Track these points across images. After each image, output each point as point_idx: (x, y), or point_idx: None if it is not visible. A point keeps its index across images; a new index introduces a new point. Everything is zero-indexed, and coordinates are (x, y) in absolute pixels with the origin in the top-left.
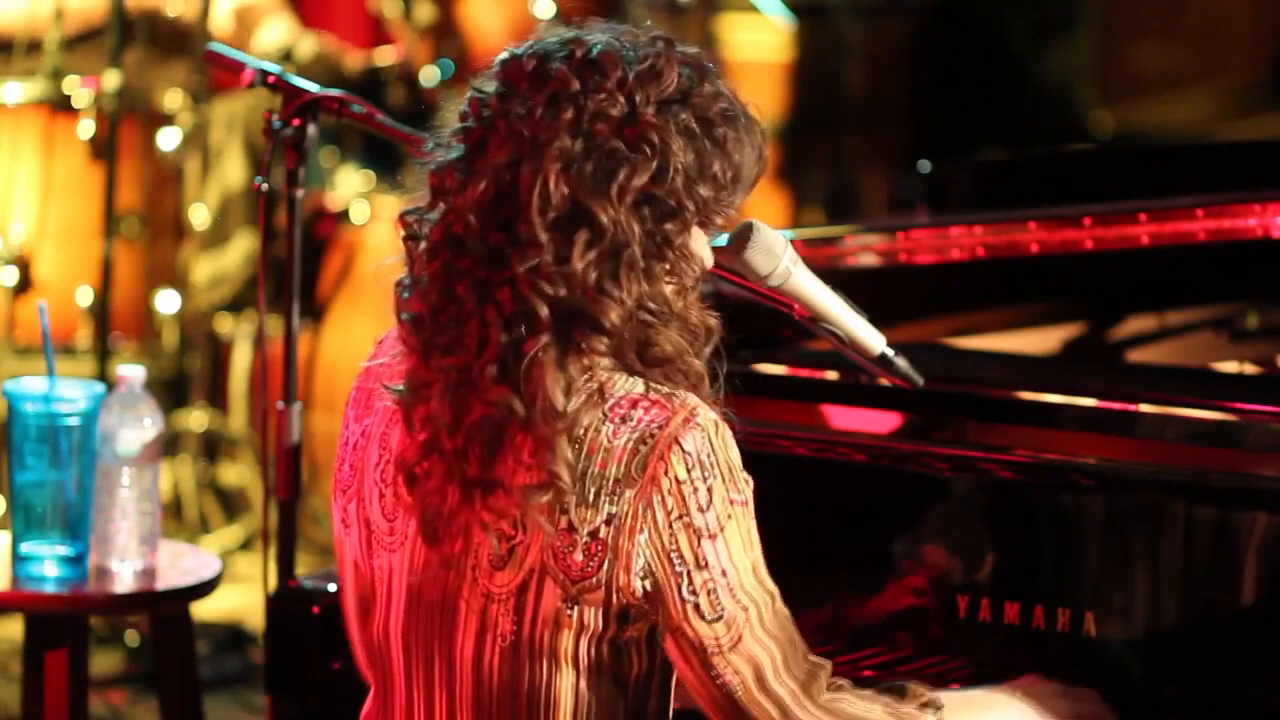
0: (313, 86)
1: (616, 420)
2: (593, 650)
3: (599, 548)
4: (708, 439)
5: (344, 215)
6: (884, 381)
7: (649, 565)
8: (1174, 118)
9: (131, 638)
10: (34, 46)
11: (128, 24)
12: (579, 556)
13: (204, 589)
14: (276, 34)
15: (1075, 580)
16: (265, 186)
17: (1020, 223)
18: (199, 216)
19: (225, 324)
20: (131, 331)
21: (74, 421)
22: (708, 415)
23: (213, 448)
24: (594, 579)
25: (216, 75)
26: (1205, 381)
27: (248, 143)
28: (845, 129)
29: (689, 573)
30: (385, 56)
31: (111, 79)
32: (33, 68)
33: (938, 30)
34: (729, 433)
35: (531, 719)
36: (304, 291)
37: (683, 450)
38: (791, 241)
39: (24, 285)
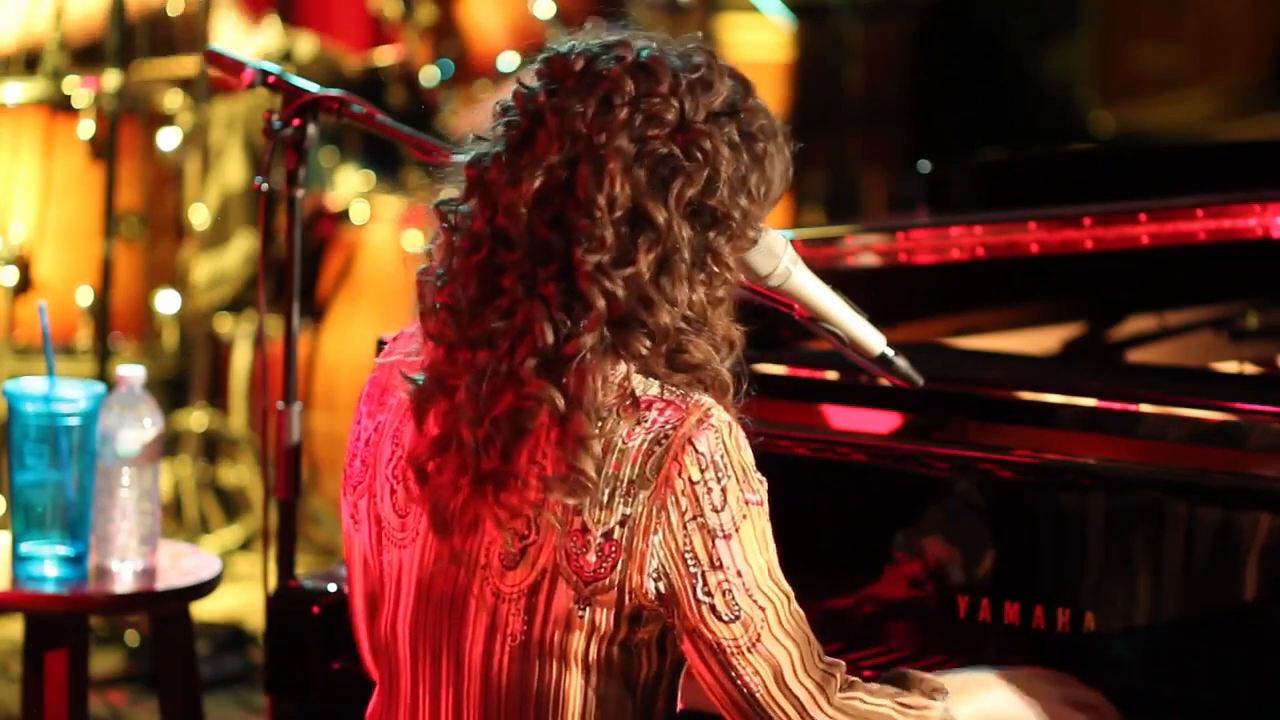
0: (312, 86)
1: (632, 421)
2: (603, 652)
3: (613, 549)
4: (721, 440)
5: (344, 215)
6: (884, 381)
7: (663, 566)
8: (1174, 118)
9: (131, 638)
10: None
11: (128, 24)
12: (592, 558)
13: (204, 589)
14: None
15: (1075, 580)
16: (265, 186)
17: (1020, 223)
18: (199, 216)
19: (225, 324)
20: (131, 331)
21: (74, 421)
22: (721, 416)
23: (213, 448)
24: (606, 580)
25: (217, 75)
26: (1205, 381)
27: (248, 143)
28: (845, 129)
29: (703, 574)
30: (385, 57)
31: (111, 79)
32: (32, 69)
33: (938, 30)
34: (742, 434)
35: (540, 719)
36: (304, 291)
37: (696, 451)
38: (791, 241)
39: (24, 285)
